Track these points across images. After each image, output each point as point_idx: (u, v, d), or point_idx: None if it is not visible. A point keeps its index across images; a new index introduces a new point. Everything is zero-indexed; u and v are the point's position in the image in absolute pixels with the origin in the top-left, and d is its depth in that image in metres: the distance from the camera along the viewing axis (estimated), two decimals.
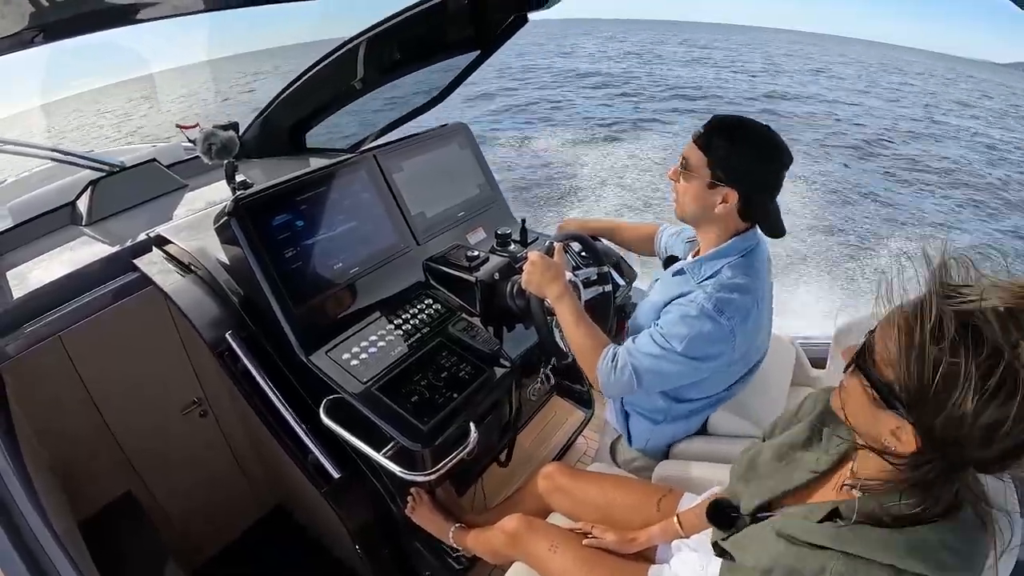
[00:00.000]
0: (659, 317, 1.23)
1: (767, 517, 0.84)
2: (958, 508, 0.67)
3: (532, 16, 1.51)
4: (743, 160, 1.14)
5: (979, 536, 0.67)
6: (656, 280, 1.43)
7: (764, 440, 0.98)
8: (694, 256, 1.32)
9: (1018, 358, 0.55)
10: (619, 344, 1.26)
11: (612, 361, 1.21)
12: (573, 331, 1.26)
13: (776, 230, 1.22)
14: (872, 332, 0.68)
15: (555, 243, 1.36)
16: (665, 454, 1.48)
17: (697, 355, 1.17)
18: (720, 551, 0.88)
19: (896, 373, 0.62)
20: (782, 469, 0.86)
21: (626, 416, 1.50)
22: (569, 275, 1.34)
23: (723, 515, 0.90)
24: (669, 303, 1.23)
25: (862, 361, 0.67)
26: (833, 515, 0.72)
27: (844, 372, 0.71)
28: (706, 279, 1.21)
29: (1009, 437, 0.56)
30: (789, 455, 0.88)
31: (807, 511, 0.76)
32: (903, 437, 0.63)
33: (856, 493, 0.73)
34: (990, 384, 0.55)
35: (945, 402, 0.58)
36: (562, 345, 1.34)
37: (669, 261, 1.42)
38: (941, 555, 0.63)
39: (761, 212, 1.20)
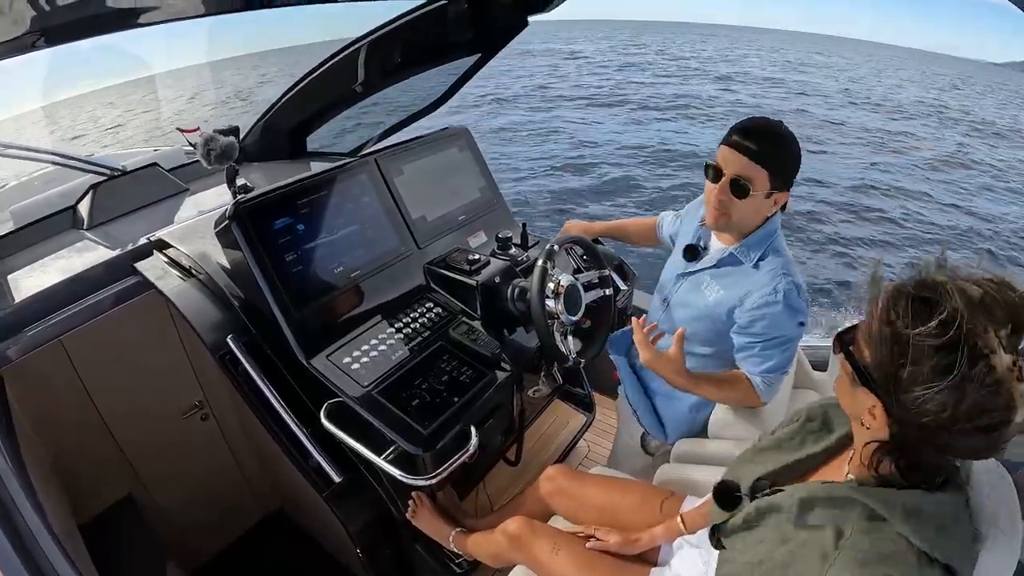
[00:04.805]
0: (731, 320, 1.29)
1: (767, 494, 0.85)
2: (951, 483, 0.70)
3: (532, 19, 1.52)
4: (794, 161, 1.20)
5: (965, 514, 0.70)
6: (689, 273, 1.40)
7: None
8: (717, 239, 1.36)
9: (987, 344, 0.57)
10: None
11: (765, 385, 1.27)
12: (721, 395, 1.31)
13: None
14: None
15: (555, 245, 1.36)
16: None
17: (803, 326, 1.26)
18: (717, 542, 0.89)
19: (871, 352, 0.66)
20: (784, 450, 0.89)
21: (654, 408, 1.52)
22: (570, 278, 1.34)
23: (729, 496, 0.90)
24: (737, 307, 1.27)
25: (845, 342, 0.71)
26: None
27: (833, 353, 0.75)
28: (759, 260, 1.26)
29: (974, 420, 0.58)
30: (790, 442, 0.90)
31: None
32: (877, 415, 0.67)
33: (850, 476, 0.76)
34: (951, 365, 0.57)
35: (908, 381, 0.60)
36: (562, 348, 1.34)
37: (689, 251, 1.41)
38: (930, 524, 0.66)
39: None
